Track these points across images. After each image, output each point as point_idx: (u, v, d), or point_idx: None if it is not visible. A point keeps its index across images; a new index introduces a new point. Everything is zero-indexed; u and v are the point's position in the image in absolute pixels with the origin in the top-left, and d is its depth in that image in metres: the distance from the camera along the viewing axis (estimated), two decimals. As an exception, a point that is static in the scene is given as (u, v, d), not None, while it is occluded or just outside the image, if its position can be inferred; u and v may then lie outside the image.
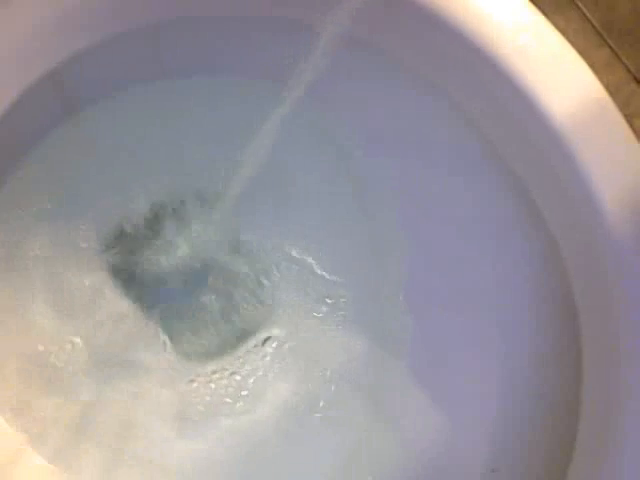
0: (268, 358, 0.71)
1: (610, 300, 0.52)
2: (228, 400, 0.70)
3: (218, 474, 0.67)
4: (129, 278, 0.71)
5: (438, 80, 0.59)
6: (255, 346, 0.71)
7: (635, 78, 0.55)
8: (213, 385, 0.70)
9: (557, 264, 0.56)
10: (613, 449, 0.51)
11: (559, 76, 0.52)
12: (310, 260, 0.72)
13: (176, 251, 0.72)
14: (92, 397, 0.67)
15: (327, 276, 0.72)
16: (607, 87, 0.54)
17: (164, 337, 0.70)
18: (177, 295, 0.72)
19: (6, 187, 0.63)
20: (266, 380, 0.71)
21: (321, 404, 0.70)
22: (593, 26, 0.57)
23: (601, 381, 0.53)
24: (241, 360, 0.71)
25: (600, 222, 0.50)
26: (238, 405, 0.70)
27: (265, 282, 0.72)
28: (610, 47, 0.57)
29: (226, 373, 0.70)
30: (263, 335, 0.72)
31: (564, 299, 0.56)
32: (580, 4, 0.56)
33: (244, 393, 0.70)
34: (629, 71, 0.56)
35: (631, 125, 0.53)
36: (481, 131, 0.58)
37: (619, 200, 0.50)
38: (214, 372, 0.70)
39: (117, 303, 0.70)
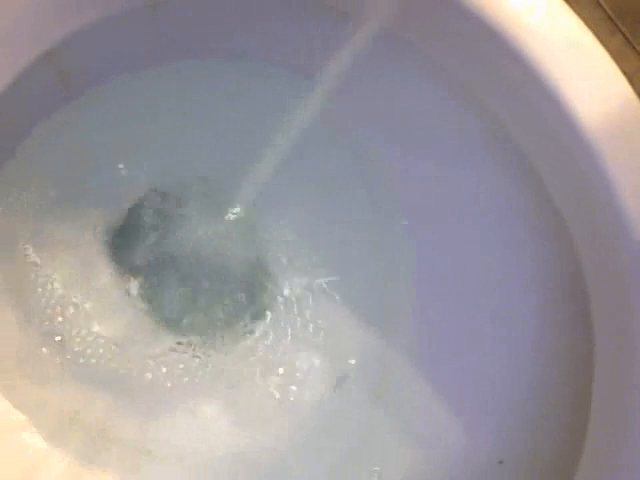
0: (269, 347, 0.70)
1: (625, 296, 0.51)
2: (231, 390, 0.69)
3: (238, 465, 0.66)
4: (130, 262, 0.70)
5: (452, 68, 0.57)
6: (256, 333, 0.71)
7: (648, 66, 0.55)
8: (220, 373, 0.69)
9: (571, 259, 0.55)
10: (625, 445, 0.51)
11: (576, 60, 0.51)
12: (317, 255, 0.71)
13: (178, 237, 0.71)
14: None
15: (334, 271, 0.71)
16: (620, 75, 0.54)
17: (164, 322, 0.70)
18: (177, 281, 0.71)
19: (5, 171, 0.61)
20: (267, 372, 0.70)
21: (325, 398, 0.69)
22: (606, 13, 0.56)
23: (613, 375, 0.53)
24: (242, 347, 0.70)
25: (617, 214, 0.50)
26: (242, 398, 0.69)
27: (269, 272, 0.72)
28: (623, 34, 0.56)
29: (224, 361, 0.70)
30: (264, 324, 0.71)
31: (576, 293, 0.56)
32: (592, -10, 0.55)
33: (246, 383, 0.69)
34: (642, 59, 0.55)
35: (645, 113, 0.53)
36: (497, 121, 0.57)
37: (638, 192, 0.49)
38: (214, 361, 0.70)
39: (117, 286, 0.69)
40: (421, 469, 0.65)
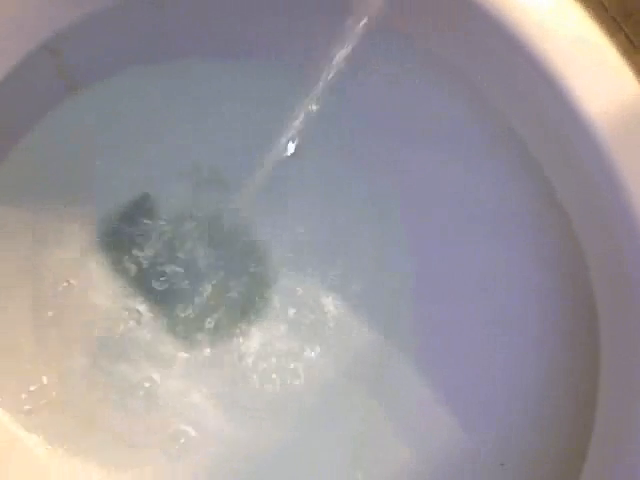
0: (269, 347, 0.70)
1: (632, 298, 0.51)
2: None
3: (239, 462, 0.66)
4: (127, 261, 0.69)
5: (454, 63, 0.57)
6: (256, 333, 0.71)
7: (652, 67, 0.54)
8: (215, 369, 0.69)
9: (576, 261, 0.55)
10: (630, 450, 0.51)
11: (583, 55, 0.50)
12: (318, 254, 0.71)
13: (178, 240, 0.70)
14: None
15: (334, 270, 0.71)
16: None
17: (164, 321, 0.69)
18: (177, 279, 0.71)
19: (4, 168, 0.60)
20: (267, 365, 0.70)
21: (323, 397, 0.69)
22: (608, 12, 0.56)
23: (619, 379, 0.53)
24: (244, 347, 0.70)
25: (625, 215, 0.49)
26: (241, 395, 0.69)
27: (270, 272, 0.71)
28: (626, 35, 0.56)
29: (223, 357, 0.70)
30: (265, 323, 0.71)
31: (581, 294, 0.56)
32: (594, -12, 0.55)
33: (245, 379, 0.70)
34: (646, 59, 0.55)
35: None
36: (502, 118, 0.57)
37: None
38: (212, 355, 0.70)
39: (114, 285, 0.69)
40: (421, 470, 0.65)
